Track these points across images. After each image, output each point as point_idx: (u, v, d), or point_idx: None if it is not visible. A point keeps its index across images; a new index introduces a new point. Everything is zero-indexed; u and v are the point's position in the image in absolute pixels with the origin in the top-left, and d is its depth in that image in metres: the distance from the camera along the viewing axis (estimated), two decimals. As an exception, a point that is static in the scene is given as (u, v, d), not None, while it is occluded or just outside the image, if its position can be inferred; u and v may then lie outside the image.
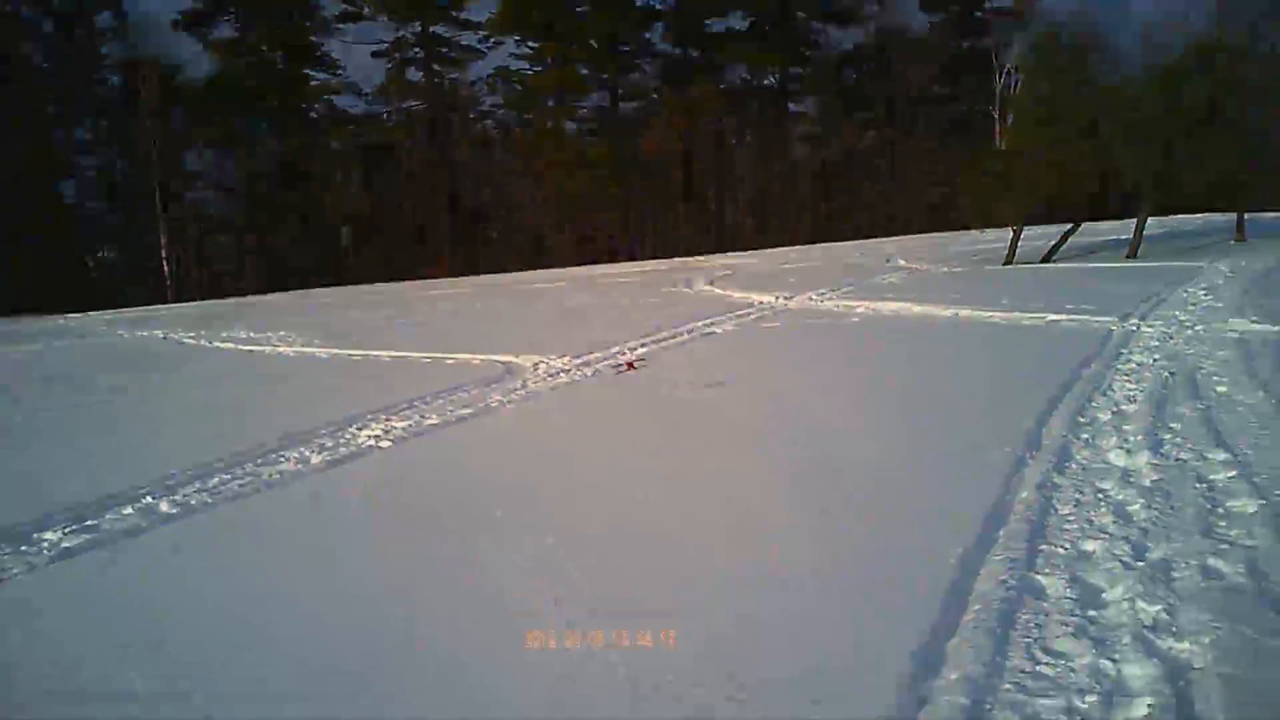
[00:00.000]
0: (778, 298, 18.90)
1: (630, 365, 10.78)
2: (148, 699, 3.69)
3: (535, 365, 11.78)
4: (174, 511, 6.40)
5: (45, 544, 5.80)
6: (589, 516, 5.73)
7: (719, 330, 14.58)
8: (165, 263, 49.82)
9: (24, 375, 15.13)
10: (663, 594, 4.45)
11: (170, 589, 4.97)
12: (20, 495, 6.94)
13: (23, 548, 5.74)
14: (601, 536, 5.32)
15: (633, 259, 49.11)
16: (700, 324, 15.19)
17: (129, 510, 6.44)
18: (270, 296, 38.04)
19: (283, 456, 7.79)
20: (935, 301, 15.89)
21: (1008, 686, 3.44)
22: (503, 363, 12.18)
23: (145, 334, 22.22)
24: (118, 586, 5.08)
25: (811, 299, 18.45)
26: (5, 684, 3.99)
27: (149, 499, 6.67)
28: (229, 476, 7.24)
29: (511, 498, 6.22)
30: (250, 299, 37.30)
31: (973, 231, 31.37)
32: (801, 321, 15.24)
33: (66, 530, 6.03)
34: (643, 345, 12.93)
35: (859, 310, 16.10)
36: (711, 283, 24.79)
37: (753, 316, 16.20)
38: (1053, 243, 25.94)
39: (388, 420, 8.97)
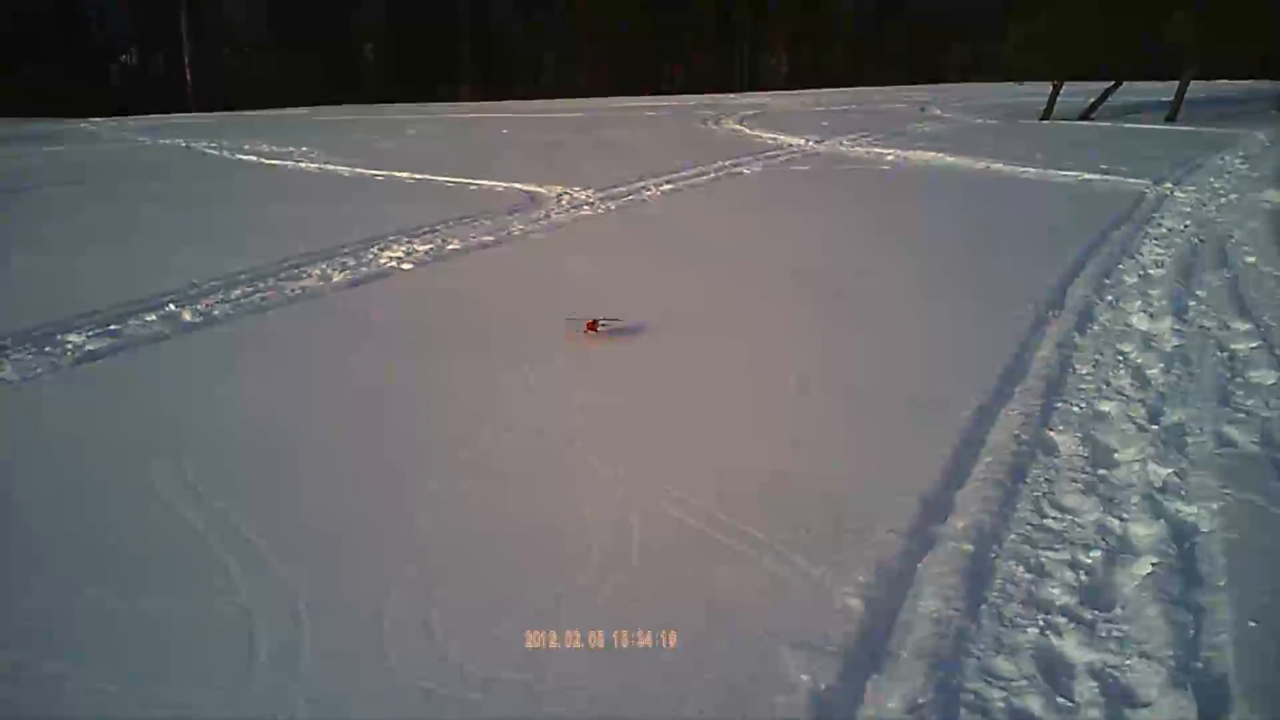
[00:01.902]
0: (807, 141, 18.57)
1: (591, 326, 5.92)
2: (167, 498, 3.77)
3: (559, 196, 11.68)
4: (196, 320, 6.46)
5: (69, 346, 5.87)
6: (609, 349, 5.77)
7: (745, 171, 14.37)
8: (188, 71, 49.04)
9: (48, 179, 15.08)
10: (659, 427, 4.52)
11: (189, 393, 5.04)
12: (45, 298, 6.98)
13: (47, 349, 5.81)
14: (614, 368, 5.37)
15: (661, 93, 48.01)
16: (727, 163, 14.97)
17: (152, 317, 6.49)
18: (292, 110, 37.46)
19: (305, 273, 7.81)
20: (968, 153, 15.61)
21: (1014, 537, 3.48)
22: (527, 191, 12.08)
23: (167, 142, 22.04)
24: (139, 390, 5.16)
25: (842, 144, 18.13)
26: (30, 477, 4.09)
27: (172, 306, 6.72)
28: (251, 289, 7.28)
29: (526, 326, 6.24)
30: (272, 112, 36.76)
31: (1011, 83, 30.56)
32: (830, 166, 15.00)
33: (90, 334, 6.09)
34: (668, 183, 12.77)
35: (889, 158, 15.84)
36: (741, 122, 24.33)
37: (781, 159, 15.94)
38: (1092, 100, 25.31)
39: (410, 243, 8.94)
